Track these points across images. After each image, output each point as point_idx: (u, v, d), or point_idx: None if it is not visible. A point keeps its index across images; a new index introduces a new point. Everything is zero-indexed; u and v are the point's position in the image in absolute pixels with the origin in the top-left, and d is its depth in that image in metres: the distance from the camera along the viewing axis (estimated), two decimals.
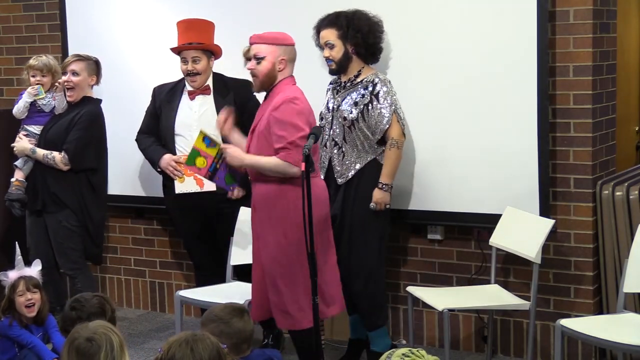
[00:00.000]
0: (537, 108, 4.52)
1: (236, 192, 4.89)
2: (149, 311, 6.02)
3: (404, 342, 5.08)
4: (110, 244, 6.10)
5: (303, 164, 3.67)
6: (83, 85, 5.09)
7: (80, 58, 5.12)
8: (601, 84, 4.64)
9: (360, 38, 4.56)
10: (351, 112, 4.57)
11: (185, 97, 5.05)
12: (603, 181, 4.62)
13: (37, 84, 5.12)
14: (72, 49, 5.72)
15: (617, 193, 4.53)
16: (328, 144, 4.66)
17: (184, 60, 4.96)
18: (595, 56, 4.54)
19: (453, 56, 4.72)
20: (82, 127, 5.01)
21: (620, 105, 5.03)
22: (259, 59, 4.26)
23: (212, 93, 5.01)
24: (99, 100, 5.17)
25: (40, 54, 5.30)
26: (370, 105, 4.54)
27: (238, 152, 4.32)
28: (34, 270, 4.37)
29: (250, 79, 4.97)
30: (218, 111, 4.90)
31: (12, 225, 5.50)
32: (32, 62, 5.19)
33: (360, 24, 4.57)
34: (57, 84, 5.17)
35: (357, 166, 4.59)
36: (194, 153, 4.52)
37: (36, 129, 5.18)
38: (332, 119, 4.65)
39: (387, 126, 4.52)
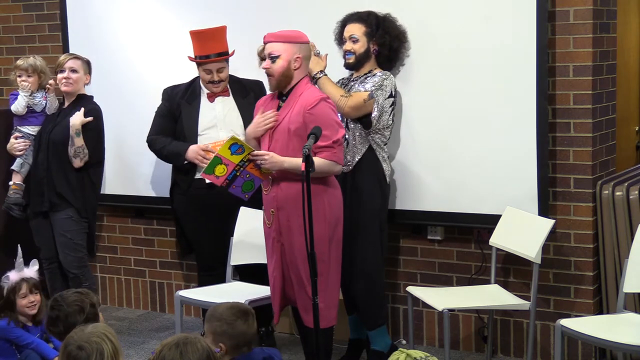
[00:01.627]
0: (536, 108, 4.52)
1: None
2: (149, 311, 6.02)
3: (404, 342, 5.08)
4: (110, 244, 6.10)
5: (303, 164, 3.67)
6: (80, 82, 5.11)
7: (76, 56, 5.17)
8: (601, 84, 4.64)
9: (388, 39, 4.61)
10: None
11: (204, 99, 5.01)
12: (603, 181, 4.61)
13: (23, 83, 5.15)
14: (72, 50, 5.71)
15: (617, 193, 4.53)
16: None
17: (208, 71, 4.92)
18: (595, 56, 4.54)
19: (452, 56, 4.71)
20: (93, 125, 5.02)
21: (620, 105, 5.03)
22: (273, 58, 4.21)
23: (230, 94, 5.01)
24: (93, 97, 5.18)
25: (28, 55, 5.32)
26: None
27: (276, 157, 4.15)
28: (32, 270, 4.36)
29: (259, 78, 5.01)
30: (241, 111, 4.93)
31: (14, 227, 5.49)
32: (18, 62, 5.24)
33: (390, 27, 4.65)
34: (48, 85, 5.20)
35: (357, 158, 4.58)
36: (216, 161, 4.21)
37: (30, 130, 5.19)
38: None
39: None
